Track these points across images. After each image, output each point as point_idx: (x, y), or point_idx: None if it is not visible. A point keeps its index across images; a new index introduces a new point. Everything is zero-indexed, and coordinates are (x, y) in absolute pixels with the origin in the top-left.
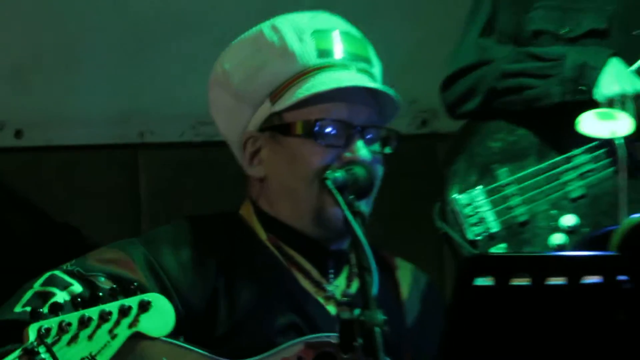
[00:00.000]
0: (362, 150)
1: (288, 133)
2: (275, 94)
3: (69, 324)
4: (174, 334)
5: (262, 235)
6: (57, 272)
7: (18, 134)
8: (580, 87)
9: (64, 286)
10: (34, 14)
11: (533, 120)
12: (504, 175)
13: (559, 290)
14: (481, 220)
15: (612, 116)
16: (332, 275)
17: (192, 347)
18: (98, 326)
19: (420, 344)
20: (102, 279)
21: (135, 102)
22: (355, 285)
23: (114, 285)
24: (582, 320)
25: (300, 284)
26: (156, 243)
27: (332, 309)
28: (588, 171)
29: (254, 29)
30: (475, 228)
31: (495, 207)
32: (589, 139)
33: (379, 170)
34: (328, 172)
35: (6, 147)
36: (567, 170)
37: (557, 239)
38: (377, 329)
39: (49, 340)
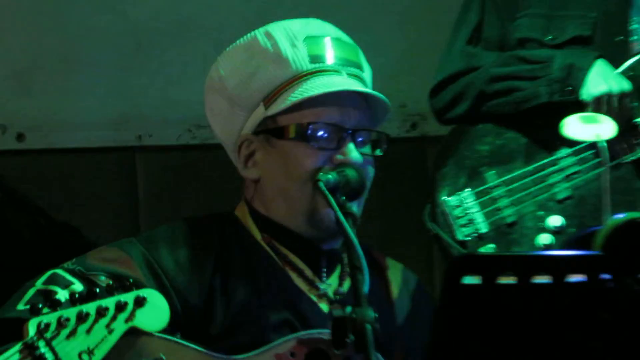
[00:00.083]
0: (353, 152)
1: (281, 136)
2: (269, 99)
3: (68, 319)
4: (170, 331)
5: (257, 235)
6: (59, 271)
7: (20, 137)
8: (567, 88)
9: (65, 285)
10: (34, 21)
11: (520, 124)
12: (492, 177)
13: (544, 288)
14: (470, 222)
15: (596, 120)
16: (324, 274)
17: (188, 344)
18: (95, 321)
19: (410, 342)
20: (103, 277)
21: (133, 106)
22: (347, 284)
23: (110, 282)
24: (567, 317)
25: (293, 282)
26: (154, 243)
27: (324, 306)
28: (574, 173)
29: (248, 35)
30: (464, 229)
31: (483, 208)
32: (575, 142)
33: (370, 172)
34: (320, 174)
35: (8, 149)
36: (553, 173)
37: (544, 239)
38: (368, 326)
39: (48, 335)
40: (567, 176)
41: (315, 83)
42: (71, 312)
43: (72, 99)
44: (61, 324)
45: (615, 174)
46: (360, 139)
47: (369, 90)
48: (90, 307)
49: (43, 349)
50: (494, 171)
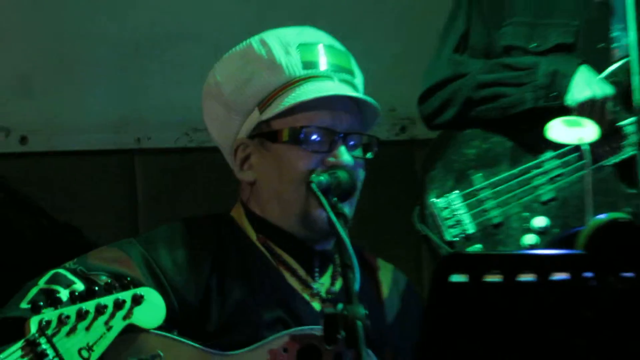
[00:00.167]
0: (344, 155)
1: (275, 140)
2: (264, 103)
3: (68, 317)
4: (167, 328)
5: (252, 235)
6: (61, 270)
7: (23, 140)
8: (552, 94)
9: (67, 284)
10: (36, 26)
11: (506, 129)
12: (478, 180)
13: (529, 286)
14: (458, 223)
15: (579, 123)
16: (317, 274)
17: (185, 340)
18: (95, 318)
19: (400, 342)
20: (103, 277)
21: (132, 110)
22: (339, 284)
23: (109, 280)
24: (551, 314)
25: (287, 281)
26: (153, 243)
27: (317, 305)
28: (557, 176)
29: (244, 43)
30: (452, 230)
31: (471, 210)
32: (559, 145)
33: (361, 174)
34: (313, 175)
35: (12, 152)
36: (538, 175)
37: (529, 239)
38: (359, 323)
39: (49, 332)
40: (551, 179)
41: (308, 88)
42: (71, 310)
43: (73, 103)
44: (62, 321)
45: (598, 176)
46: (352, 142)
47: (359, 95)
48: (90, 305)
49: (44, 345)
50: (480, 174)
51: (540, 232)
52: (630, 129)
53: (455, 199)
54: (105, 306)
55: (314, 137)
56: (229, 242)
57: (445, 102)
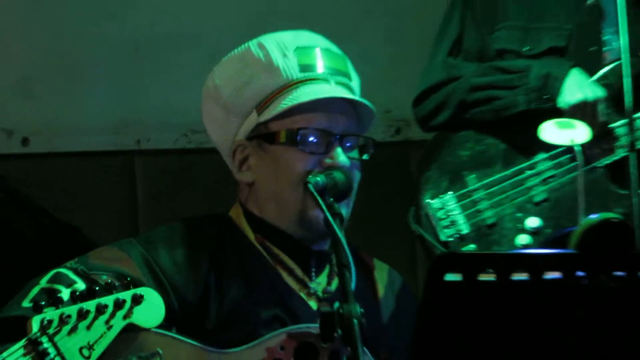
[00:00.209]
0: (341, 156)
1: (273, 141)
2: (262, 106)
3: (69, 316)
4: (166, 327)
5: (251, 235)
6: (63, 270)
7: (25, 141)
8: (544, 96)
9: (69, 284)
10: (37, 29)
11: (499, 131)
12: (472, 181)
13: (522, 285)
14: (452, 223)
15: (571, 125)
16: (314, 274)
17: (184, 338)
18: (95, 318)
19: (395, 341)
20: (104, 277)
21: (132, 112)
22: (335, 284)
23: (110, 280)
24: (544, 313)
25: (284, 281)
26: (153, 243)
27: (313, 304)
28: (550, 177)
29: (242, 46)
30: (447, 230)
31: (465, 210)
32: (552, 147)
33: (357, 175)
34: (310, 176)
35: (14, 153)
36: (531, 176)
37: (523, 239)
38: (355, 321)
39: (50, 331)
40: (544, 180)
41: (305, 91)
42: (72, 310)
43: (74, 105)
44: (63, 320)
45: (590, 177)
46: (348, 143)
47: (355, 97)
48: (90, 305)
49: (46, 344)
50: (474, 175)
51: (533, 232)
52: (621, 131)
53: (449, 199)
54: (106, 306)
55: (311, 138)
56: (227, 242)
57: (439, 104)
